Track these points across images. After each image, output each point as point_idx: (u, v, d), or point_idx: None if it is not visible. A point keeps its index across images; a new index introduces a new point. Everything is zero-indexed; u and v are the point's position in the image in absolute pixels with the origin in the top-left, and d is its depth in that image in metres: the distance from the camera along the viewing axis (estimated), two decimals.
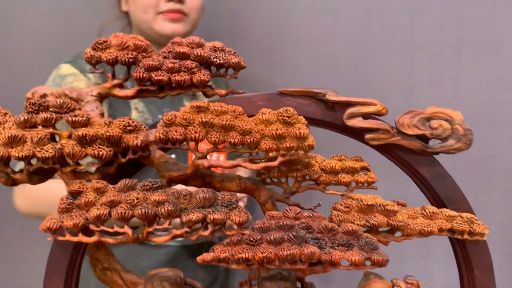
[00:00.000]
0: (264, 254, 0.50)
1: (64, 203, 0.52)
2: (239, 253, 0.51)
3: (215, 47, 0.57)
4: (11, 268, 1.61)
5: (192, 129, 0.51)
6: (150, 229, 0.51)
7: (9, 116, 0.54)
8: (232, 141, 0.52)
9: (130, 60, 0.55)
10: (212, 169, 0.58)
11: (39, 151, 0.50)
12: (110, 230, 0.51)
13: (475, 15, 1.52)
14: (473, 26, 1.52)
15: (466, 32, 1.53)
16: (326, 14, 1.46)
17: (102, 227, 0.51)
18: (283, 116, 0.52)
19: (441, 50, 1.53)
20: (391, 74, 1.52)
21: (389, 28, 1.50)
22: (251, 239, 0.51)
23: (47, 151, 0.50)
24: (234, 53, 0.57)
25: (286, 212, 0.54)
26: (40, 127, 0.52)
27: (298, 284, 0.65)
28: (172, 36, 1.01)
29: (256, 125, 0.53)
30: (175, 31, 1.04)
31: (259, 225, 0.52)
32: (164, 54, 0.56)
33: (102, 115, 0.56)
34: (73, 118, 0.52)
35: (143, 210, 0.50)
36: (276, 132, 0.52)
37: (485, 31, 1.52)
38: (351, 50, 1.48)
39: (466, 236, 0.58)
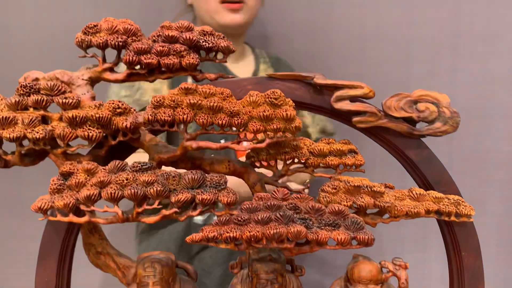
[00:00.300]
0: (251, 233, 0.51)
1: (55, 184, 0.52)
2: (227, 232, 0.52)
3: (204, 31, 0.57)
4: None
5: (181, 111, 0.52)
6: (140, 209, 0.52)
7: (1, 100, 0.55)
8: (220, 122, 0.52)
9: (120, 43, 0.55)
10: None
11: (30, 132, 0.51)
12: (100, 210, 0.52)
13: (472, 8, 1.53)
14: (470, 19, 1.52)
15: (463, 25, 1.53)
16: (322, 6, 1.47)
17: (93, 207, 0.52)
18: (271, 98, 0.53)
19: (438, 42, 1.53)
20: (387, 67, 1.53)
21: (385, 20, 1.51)
22: (239, 219, 0.52)
23: (37, 132, 0.51)
24: (223, 37, 0.58)
25: (274, 193, 0.55)
26: (31, 109, 0.53)
27: (288, 267, 0.66)
28: (232, 26, 1.07)
29: (244, 107, 0.54)
30: (234, 20, 1.07)
31: (247, 206, 0.53)
32: (154, 38, 0.56)
33: (93, 98, 0.56)
34: (64, 100, 0.52)
35: (133, 190, 0.51)
36: (263, 114, 0.53)
37: (482, 24, 1.52)
38: (347, 43, 1.49)
39: (453, 218, 0.59)
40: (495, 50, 1.54)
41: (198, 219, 1.04)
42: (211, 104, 0.52)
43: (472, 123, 1.57)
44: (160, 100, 0.53)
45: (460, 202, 0.59)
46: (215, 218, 0.55)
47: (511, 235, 1.64)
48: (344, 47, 1.48)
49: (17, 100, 0.52)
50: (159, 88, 1.03)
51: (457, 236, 0.62)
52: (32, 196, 1.43)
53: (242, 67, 1.12)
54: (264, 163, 0.60)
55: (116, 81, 0.57)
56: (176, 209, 0.52)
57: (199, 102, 0.52)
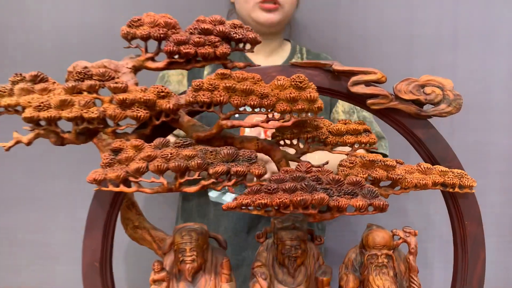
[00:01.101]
0: (280, 200, 0.58)
1: (107, 158, 0.60)
2: (259, 199, 0.59)
3: (234, 24, 0.65)
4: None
5: (217, 93, 0.59)
6: (182, 180, 0.59)
7: (57, 85, 0.62)
8: (252, 103, 0.60)
9: (161, 36, 0.63)
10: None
11: (85, 113, 0.58)
12: (148, 181, 0.59)
13: (471, 7, 1.58)
14: (469, 17, 1.58)
15: (462, 23, 1.59)
16: (328, 7, 1.54)
17: (141, 179, 0.59)
18: (296, 82, 0.60)
19: (439, 39, 1.59)
20: (390, 63, 1.58)
21: (388, 19, 1.57)
22: (269, 188, 0.59)
23: (92, 113, 0.58)
24: (251, 29, 0.65)
25: (298, 167, 0.62)
26: (85, 93, 0.60)
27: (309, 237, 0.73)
28: (267, 25, 1.16)
29: (272, 90, 0.61)
30: (269, 19, 1.15)
31: (276, 177, 0.60)
32: (190, 31, 0.64)
33: (136, 84, 0.64)
34: (114, 85, 0.60)
35: (176, 163, 0.58)
36: (289, 96, 0.60)
37: (480, 21, 1.58)
38: (353, 40, 1.54)
39: (457, 189, 0.66)
40: (493, 47, 1.59)
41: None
42: (244, 87, 0.59)
43: (472, 117, 1.61)
44: (199, 84, 0.60)
45: (463, 175, 0.66)
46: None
47: (511, 226, 1.69)
48: (349, 45, 1.54)
49: (73, 85, 0.60)
50: (181, 80, 1.15)
51: (460, 206, 0.69)
52: (46, 190, 1.49)
53: (270, 62, 1.19)
54: (288, 141, 0.67)
55: (157, 69, 0.65)
56: (213, 180, 0.59)
57: (234, 85, 0.59)
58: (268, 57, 1.24)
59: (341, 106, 1.21)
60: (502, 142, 1.64)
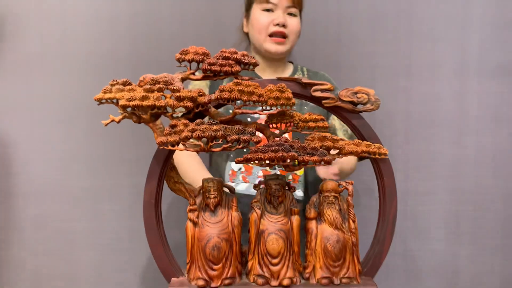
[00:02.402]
0: (269, 156, 1.00)
1: (167, 131, 1.01)
2: (257, 155, 1.00)
3: (243, 54, 1.07)
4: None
5: (234, 93, 1.02)
6: (212, 144, 1.01)
7: (136, 87, 1.04)
8: (254, 100, 1.02)
9: (200, 60, 1.05)
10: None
11: (157, 102, 1.00)
12: (191, 143, 1.00)
13: (421, 43, 1.97)
14: (420, 51, 1.97)
15: (415, 55, 1.97)
16: (307, 38, 1.94)
17: (188, 142, 1.00)
18: (279, 88, 1.03)
19: (396, 68, 1.98)
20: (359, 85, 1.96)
21: (356, 52, 1.98)
22: (262, 149, 1.01)
23: (161, 103, 1.00)
24: (253, 57, 1.08)
25: (280, 139, 1.04)
26: (155, 92, 1.02)
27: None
28: (276, 54, 1.49)
29: (265, 92, 1.03)
30: (278, 50, 1.50)
31: (267, 144, 1.02)
32: (217, 57, 1.06)
33: (183, 88, 1.06)
34: (173, 87, 1.02)
35: (209, 133, 0.99)
36: (276, 95, 1.02)
37: (429, 55, 1.97)
38: (328, 68, 1.89)
39: (377, 156, 1.08)
40: (439, 75, 1.98)
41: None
42: (249, 90, 1.02)
43: (423, 131, 1.99)
44: (223, 88, 1.02)
45: (380, 147, 1.09)
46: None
47: (456, 220, 2.02)
48: (329, 73, 1.90)
49: (149, 87, 1.01)
50: (205, 88, 1.55)
51: (380, 167, 1.11)
52: (72, 186, 1.91)
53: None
54: (275, 125, 1.10)
55: (196, 79, 1.07)
56: (230, 144, 1.01)
57: (243, 89, 1.02)
58: (274, 75, 1.55)
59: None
60: (447, 152, 2.01)
